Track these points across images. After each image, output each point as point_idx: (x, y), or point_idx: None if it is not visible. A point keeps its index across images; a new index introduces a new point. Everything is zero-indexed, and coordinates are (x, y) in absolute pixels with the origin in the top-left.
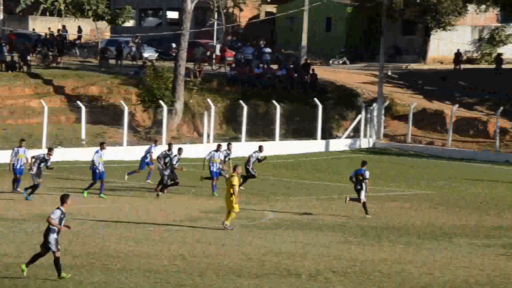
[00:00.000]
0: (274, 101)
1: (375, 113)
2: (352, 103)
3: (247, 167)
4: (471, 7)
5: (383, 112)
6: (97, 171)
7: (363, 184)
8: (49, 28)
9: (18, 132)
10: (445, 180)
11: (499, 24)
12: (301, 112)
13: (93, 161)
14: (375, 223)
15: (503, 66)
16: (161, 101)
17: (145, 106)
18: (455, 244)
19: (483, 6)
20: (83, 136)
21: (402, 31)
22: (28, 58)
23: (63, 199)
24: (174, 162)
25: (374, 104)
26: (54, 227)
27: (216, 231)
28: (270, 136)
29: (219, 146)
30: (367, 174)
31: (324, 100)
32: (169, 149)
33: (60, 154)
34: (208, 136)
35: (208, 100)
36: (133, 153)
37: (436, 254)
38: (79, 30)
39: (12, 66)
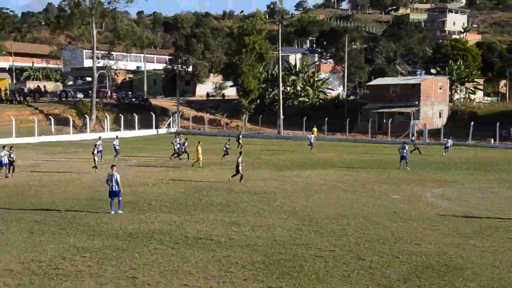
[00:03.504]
0: (134, 113)
1: (176, 117)
2: (167, 113)
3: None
4: (211, 74)
5: (179, 116)
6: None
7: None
8: (36, 85)
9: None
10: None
11: (222, 81)
12: (144, 117)
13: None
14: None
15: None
16: (86, 115)
17: (79, 116)
18: None
19: (216, 74)
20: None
21: (185, 83)
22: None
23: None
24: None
25: (175, 114)
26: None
27: None
28: (131, 128)
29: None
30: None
31: (153, 112)
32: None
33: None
34: (107, 129)
35: (106, 113)
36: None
37: None
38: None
39: (19, 102)
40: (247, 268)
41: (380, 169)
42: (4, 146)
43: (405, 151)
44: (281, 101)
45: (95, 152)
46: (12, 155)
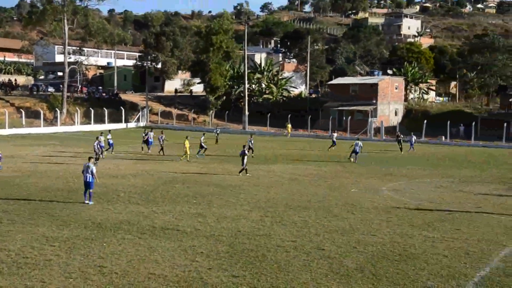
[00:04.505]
0: (104, 108)
1: (145, 111)
2: (136, 107)
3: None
4: (180, 71)
5: (148, 111)
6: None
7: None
8: (7, 79)
9: None
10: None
11: (190, 78)
12: (114, 112)
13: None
14: None
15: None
16: (57, 108)
17: (50, 109)
18: None
19: (184, 71)
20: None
21: (154, 79)
22: None
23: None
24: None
25: (144, 109)
26: None
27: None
28: (100, 122)
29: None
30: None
31: (123, 107)
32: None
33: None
34: (78, 122)
35: (77, 107)
36: (51, 130)
37: None
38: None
39: None
40: (212, 257)
41: (340, 164)
42: None
43: (357, 147)
44: (246, 98)
45: (97, 146)
46: None
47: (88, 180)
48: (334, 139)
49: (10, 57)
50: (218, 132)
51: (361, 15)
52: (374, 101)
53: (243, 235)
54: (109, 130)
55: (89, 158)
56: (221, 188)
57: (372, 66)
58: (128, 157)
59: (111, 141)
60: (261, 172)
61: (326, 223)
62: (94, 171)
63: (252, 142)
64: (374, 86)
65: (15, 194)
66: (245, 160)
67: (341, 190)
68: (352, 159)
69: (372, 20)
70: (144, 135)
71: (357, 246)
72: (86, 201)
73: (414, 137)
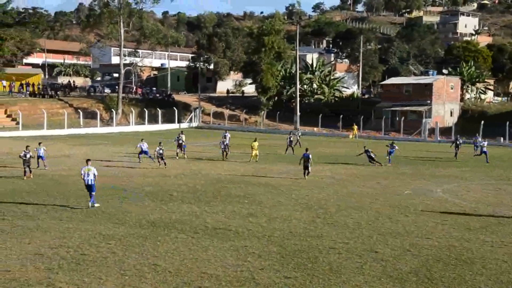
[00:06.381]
0: (158, 108)
1: (197, 112)
2: (189, 108)
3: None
4: (232, 72)
5: (201, 112)
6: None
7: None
8: (66, 81)
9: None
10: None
11: (242, 78)
12: (167, 112)
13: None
14: None
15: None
16: (112, 109)
17: (106, 110)
18: None
19: (236, 72)
20: (81, 122)
21: (207, 80)
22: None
23: None
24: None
25: (197, 109)
26: None
27: None
28: (154, 122)
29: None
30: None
31: (176, 107)
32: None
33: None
34: (132, 122)
35: (132, 108)
36: (107, 130)
37: None
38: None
39: (50, 96)
40: (263, 258)
41: (393, 165)
42: (40, 143)
43: (393, 149)
44: (298, 98)
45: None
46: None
47: (90, 183)
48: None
49: (69, 59)
50: (299, 135)
51: (415, 13)
52: (429, 102)
53: (295, 236)
54: (181, 131)
55: (87, 161)
56: (272, 188)
57: (427, 65)
58: (181, 157)
59: (183, 143)
60: (312, 172)
61: (378, 225)
62: (96, 173)
63: (228, 138)
64: (429, 86)
65: (72, 192)
66: (309, 164)
67: (394, 192)
68: (289, 151)
69: (427, 19)
70: (176, 139)
71: (411, 249)
72: (96, 204)
73: (484, 141)
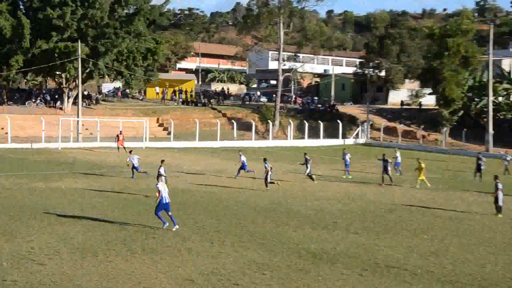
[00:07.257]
0: (319, 121)
1: (365, 126)
2: (355, 121)
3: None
4: (407, 80)
5: (369, 126)
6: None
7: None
8: (220, 88)
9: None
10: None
11: (419, 88)
12: (330, 126)
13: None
14: None
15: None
16: (269, 120)
17: (262, 121)
18: None
19: (412, 80)
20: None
21: (377, 90)
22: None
23: None
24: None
25: (365, 123)
26: None
27: None
28: (315, 137)
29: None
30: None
31: (340, 120)
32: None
33: None
34: (290, 136)
35: (289, 120)
36: (262, 144)
37: None
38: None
39: (203, 104)
40: None
41: None
42: (131, 151)
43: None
44: (490, 113)
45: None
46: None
47: (165, 201)
48: None
49: (224, 64)
50: (508, 159)
51: None
52: None
53: (491, 285)
54: (344, 148)
55: (158, 177)
56: (456, 222)
57: None
58: (346, 180)
59: (348, 161)
60: (506, 206)
61: None
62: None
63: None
64: None
65: (225, 213)
66: (499, 196)
67: None
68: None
69: None
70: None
71: None
72: (175, 227)
73: None
